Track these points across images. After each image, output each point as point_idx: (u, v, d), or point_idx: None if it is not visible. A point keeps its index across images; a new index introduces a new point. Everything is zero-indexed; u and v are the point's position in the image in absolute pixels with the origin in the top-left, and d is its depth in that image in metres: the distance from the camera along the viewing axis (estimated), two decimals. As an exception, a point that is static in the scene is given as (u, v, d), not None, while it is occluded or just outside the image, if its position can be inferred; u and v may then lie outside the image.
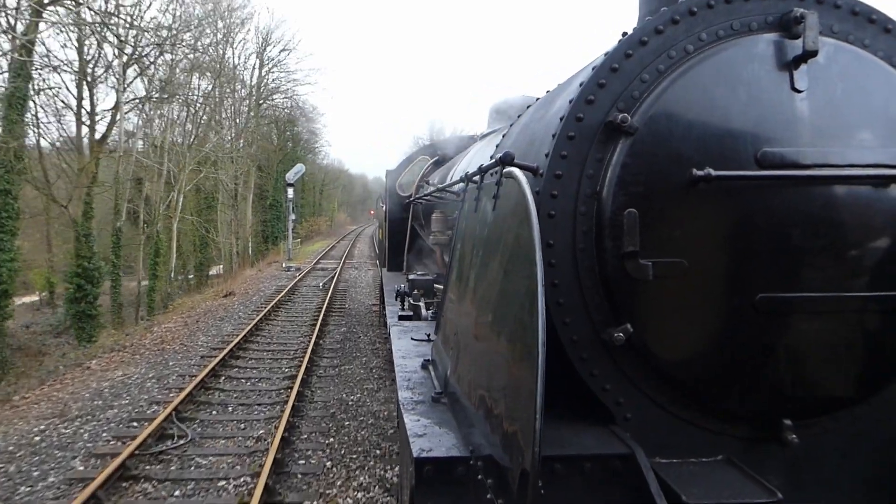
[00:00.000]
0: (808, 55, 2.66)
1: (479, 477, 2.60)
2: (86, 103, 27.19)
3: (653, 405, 2.88)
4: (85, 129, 27.44)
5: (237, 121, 47.43)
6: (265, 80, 49.48)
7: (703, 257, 2.68)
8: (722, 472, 2.75)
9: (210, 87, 41.64)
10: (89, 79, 26.70)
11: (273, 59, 49.79)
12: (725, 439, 2.90)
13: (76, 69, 26.01)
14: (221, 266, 43.98)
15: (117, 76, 27.53)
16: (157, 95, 31.71)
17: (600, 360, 2.85)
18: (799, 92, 2.68)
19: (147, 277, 33.40)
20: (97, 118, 28.00)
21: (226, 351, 12.30)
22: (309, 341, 13.36)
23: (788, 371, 2.77)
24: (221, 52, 42.54)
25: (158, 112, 34.77)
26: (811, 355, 2.75)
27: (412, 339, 5.15)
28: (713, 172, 2.56)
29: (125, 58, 27.60)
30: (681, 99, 2.71)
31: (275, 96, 52.40)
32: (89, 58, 26.51)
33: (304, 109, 60.04)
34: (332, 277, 26.40)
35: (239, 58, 48.17)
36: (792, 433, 2.81)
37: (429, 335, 5.07)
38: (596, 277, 2.82)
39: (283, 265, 31.90)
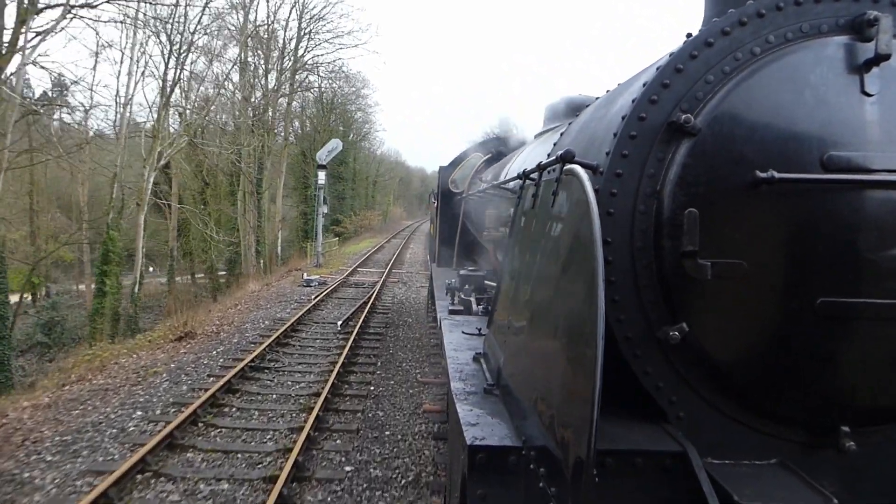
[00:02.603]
0: (880, 58, 2.61)
1: (532, 466, 2.66)
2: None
3: (706, 405, 2.88)
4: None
5: (264, 84, 39.78)
6: (305, 48, 42.48)
7: (763, 259, 2.66)
8: (776, 476, 2.74)
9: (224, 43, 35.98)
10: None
11: (314, 16, 42.43)
12: (780, 443, 2.88)
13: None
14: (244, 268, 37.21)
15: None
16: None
17: (654, 358, 2.86)
18: (869, 96, 2.64)
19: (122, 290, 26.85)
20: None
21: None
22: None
23: (848, 377, 2.73)
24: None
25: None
26: (873, 362, 2.71)
27: (463, 332, 5.23)
28: (777, 175, 2.55)
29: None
30: (745, 101, 2.70)
31: (319, 67, 45.02)
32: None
33: (349, 77, 52.34)
34: (366, 303, 18.32)
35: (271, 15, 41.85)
36: (850, 440, 2.77)
37: (480, 329, 5.15)
38: (653, 276, 2.84)
39: (304, 276, 24.66)
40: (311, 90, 47.89)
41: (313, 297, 19.60)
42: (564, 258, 2.66)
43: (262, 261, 37.16)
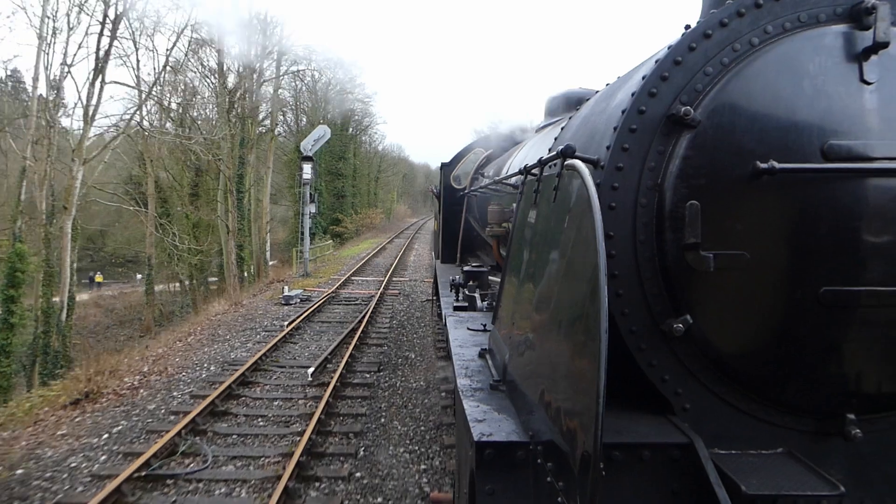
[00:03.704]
0: (878, 46, 2.62)
1: (539, 461, 2.67)
2: None
3: (712, 396, 2.89)
4: None
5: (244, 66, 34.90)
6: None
7: (765, 250, 2.68)
8: (782, 464, 2.75)
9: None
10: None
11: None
12: (786, 432, 2.89)
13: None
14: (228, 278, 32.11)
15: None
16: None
17: (659, 351, 2.87)
18: (868, 84, 2.64)
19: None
20: None
21: None
22: None
23: (853, 365, 2.74)
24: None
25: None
26: (877, 350, 2.72)
27: (468, 328, 5.24)
28: (777, 165, 2.55)
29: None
30: (744, 92, 2.71)
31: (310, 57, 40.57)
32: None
33: (344, 64, 47.42)
34: (355, 329, 14.49)
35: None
36: (856, 428, 2.78)
37: (485, 325, 5.16)
38: (656, 269, 2.85)
39: (284, 291, 20.07)
40: (302, 77, 44.02)
41: (287, 323, 15.30)
42: (567, 253, 2.67)
43: (245, 269, 33.64)
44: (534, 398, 2.89)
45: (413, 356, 12.72)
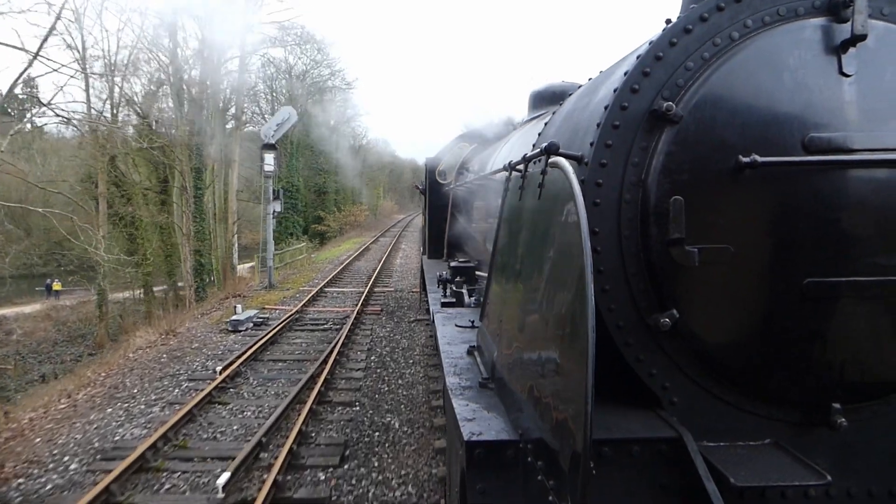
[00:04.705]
0: (856, 39, 2.63)
1: (529, 459, 2.68)
2: None
3: (699, 389, 2.92)
4: None
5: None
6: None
7: (749, 243, 2.70)
8: (770, 455, 2.78)
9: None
10: None
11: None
12: (773, 423, 2.92)
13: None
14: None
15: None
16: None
17: (646, 346, 2.89)
18: (847, 76, 2.66)
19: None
20: None
21: None
22: None
23: (837, 355, 2.77)
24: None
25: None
26: (860, 339, 2.75)
27: (456, 325, 5.24)
28: (759, 159, 2.57)
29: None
30: (725, 86, 2.72)
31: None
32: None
33: (320, 46, 42.79)
34: (317, 376, 10.31)
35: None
36: (841, 417, 2.82)
37: (472, 322, 5.16)
38: (641, 264, 2.86)
39: (235, 312, 15.69)
40: (273, 60, 40.23)
41: (223, 366, 10.78)
42: (553, 250, 2.67)
43: (207, 277, 29.84)
44: (523, 396, 2.89)
45: (397, 423, 8.47)
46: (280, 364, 11.65)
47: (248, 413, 8.95)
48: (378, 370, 11.21)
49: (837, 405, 2.83)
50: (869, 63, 2.67)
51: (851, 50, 2.67)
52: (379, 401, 9.51)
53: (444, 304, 6.53)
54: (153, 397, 9.89)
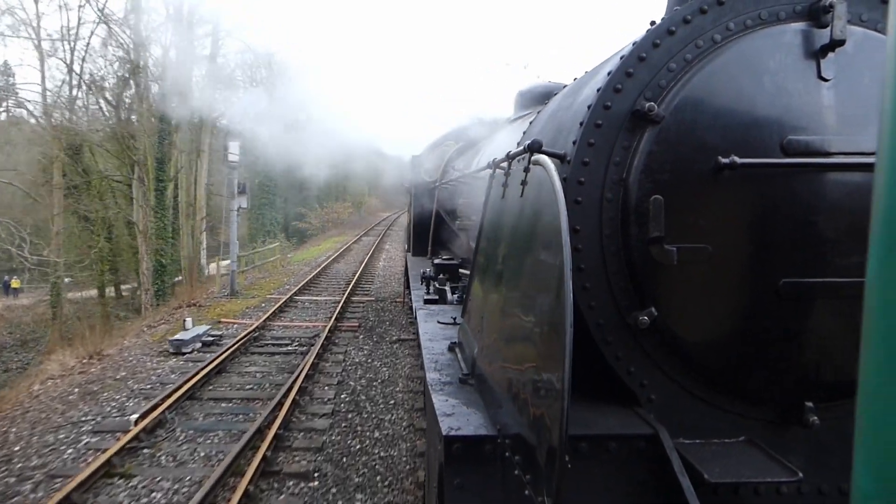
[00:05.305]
0: (835, 44, 2.68)
1: (507, 454, 2.70)
2: None
3: (677, 387, 2.95)
4: None
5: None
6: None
7: (727, 243, 2.73)
8: (744, 453, 2.82)
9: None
10: None
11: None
12: (748, 421, 2.96)
13: None
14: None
15: None
16: None
17: (625, 344, 2.92)
18: (826, 81, 2.71)
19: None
20: None
21: None
22: None
23: (811, 355, 2.82)
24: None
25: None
26: (834, 339, 2.80)
27: (438, 322, 5.25)
28: (738, 160, 2.60)
29: None
30: (707, 88, 2.75)
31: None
32: None
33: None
34: (263, 429, 7.68)
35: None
36: (814, 415, 2.86)
37: (455, 318, 5.18)
38: (622, 262, 2.89)
39: (184, 326, 13.06)
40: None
41: (142, 413, 8.30)
42: (534, 247, 2.69)
43: (169, 280, 26.91)
44: (502, 392, 2.91)
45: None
46: (223, 405, 9.01)
47: (157, 496, 6.32)
48: (349, 415, 8.65)
49: (810, 404, 2.87)
50: (847, 68, 2.72)
51: (830, 55, 2.71)
52: (347, 468, 6.98)
53: (426, 301, 6.55)
54: (33, 463, 7.17)
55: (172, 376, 10.37)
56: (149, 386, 9.98)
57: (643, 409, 2.94)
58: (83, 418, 8.60)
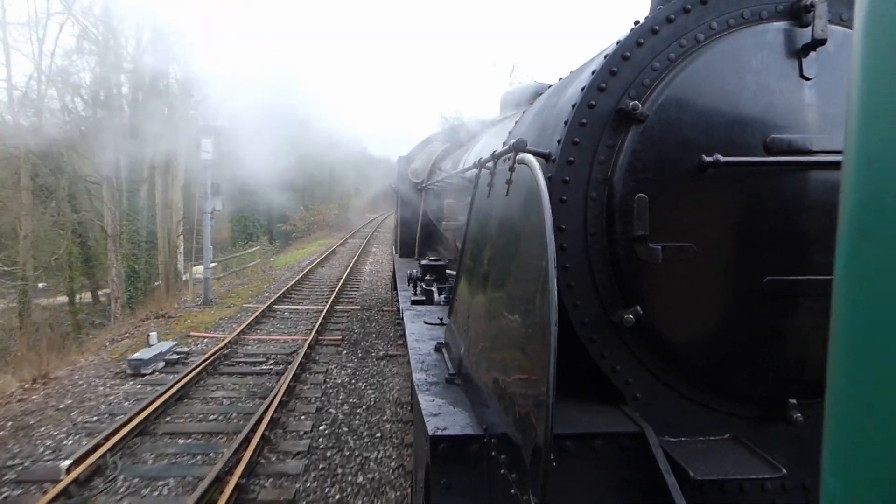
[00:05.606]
0: (817, 43, 2.70)
1: (493, 454, 2.70)
2: None
3: (662, 386, 2.96)
4: None
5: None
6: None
7: (711, 241, 2.75)
8: (728, 450, 2.84)
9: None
10: None
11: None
12: (732, 419, 2.98)
13: None
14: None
15: None
16: None
17: (610, 342, 2.93)
18: (807, 80, 2.73)
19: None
20: None
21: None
22: None
23: (795, 352, 2.83)
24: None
25: None
26: (817, 337, 2.82)
27: (425, 322, 5.25)
28: (722, 158, 2.62)
29: None
30: (690, 87, 2.77)
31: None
32: None
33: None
34: (224, 476, 6.39)
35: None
36: (797, 412, 2.89)
37: (441, 319, 5.18)
38: (606, 261, 2.89)
39: (149, 342, 11.55)
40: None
41: (77, 456, 6.92)
42: (519, 246, 2.69)
43: (143, 287, 25.17)
44: (488, 391, 2.91)
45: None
46: (179, 442, 7.63)
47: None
48: (329, 453, 7.37)
49: (794, 401, 2.89)
50: (828, 67, 2.75)
51: (812, 54, 2.74)
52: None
53: (413, 302, 6.53)
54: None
55: (125, 405, 8.95)
56: (95, 418, 8.49)
57: (629, 407, 2.95)
58: (9, 462, 7.14)
